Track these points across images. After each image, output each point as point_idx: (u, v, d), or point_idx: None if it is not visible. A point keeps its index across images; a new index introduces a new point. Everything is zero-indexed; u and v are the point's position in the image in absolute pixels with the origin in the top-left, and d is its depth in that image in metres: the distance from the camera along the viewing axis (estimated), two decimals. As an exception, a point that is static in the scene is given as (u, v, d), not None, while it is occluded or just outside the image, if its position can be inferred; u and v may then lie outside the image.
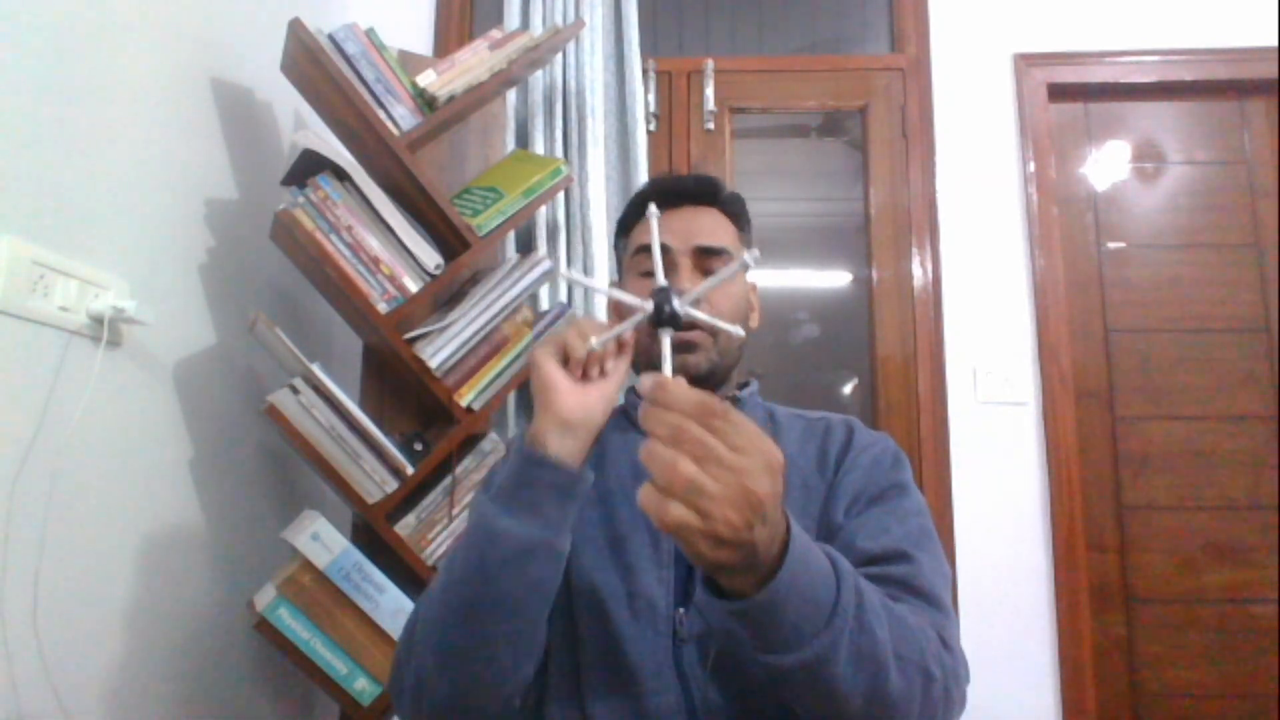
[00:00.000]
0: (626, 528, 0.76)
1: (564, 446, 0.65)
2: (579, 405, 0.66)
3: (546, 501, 0.64)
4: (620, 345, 0.69)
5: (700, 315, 0.59)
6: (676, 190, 0.86)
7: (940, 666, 0.60)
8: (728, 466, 0.45)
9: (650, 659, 0.71)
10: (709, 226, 0.84)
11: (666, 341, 0.54)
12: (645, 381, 0.48)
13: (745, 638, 0.53)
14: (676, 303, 0.55)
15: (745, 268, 0.53)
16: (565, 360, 0.67)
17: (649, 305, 0.56)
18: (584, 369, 0.67)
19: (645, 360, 0.84)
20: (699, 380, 0.81)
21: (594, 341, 0.64)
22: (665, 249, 0.81)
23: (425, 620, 0.68)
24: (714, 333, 0.80)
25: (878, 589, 0.62)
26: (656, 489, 0.45)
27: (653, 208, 0.62)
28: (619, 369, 0.69)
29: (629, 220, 0.90)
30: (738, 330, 0.61)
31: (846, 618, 0.53)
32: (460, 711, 0.67)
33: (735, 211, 0.88)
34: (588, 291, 1.63)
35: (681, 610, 0.72)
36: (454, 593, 0.66)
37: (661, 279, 0.59)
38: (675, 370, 0.56)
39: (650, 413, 0.47)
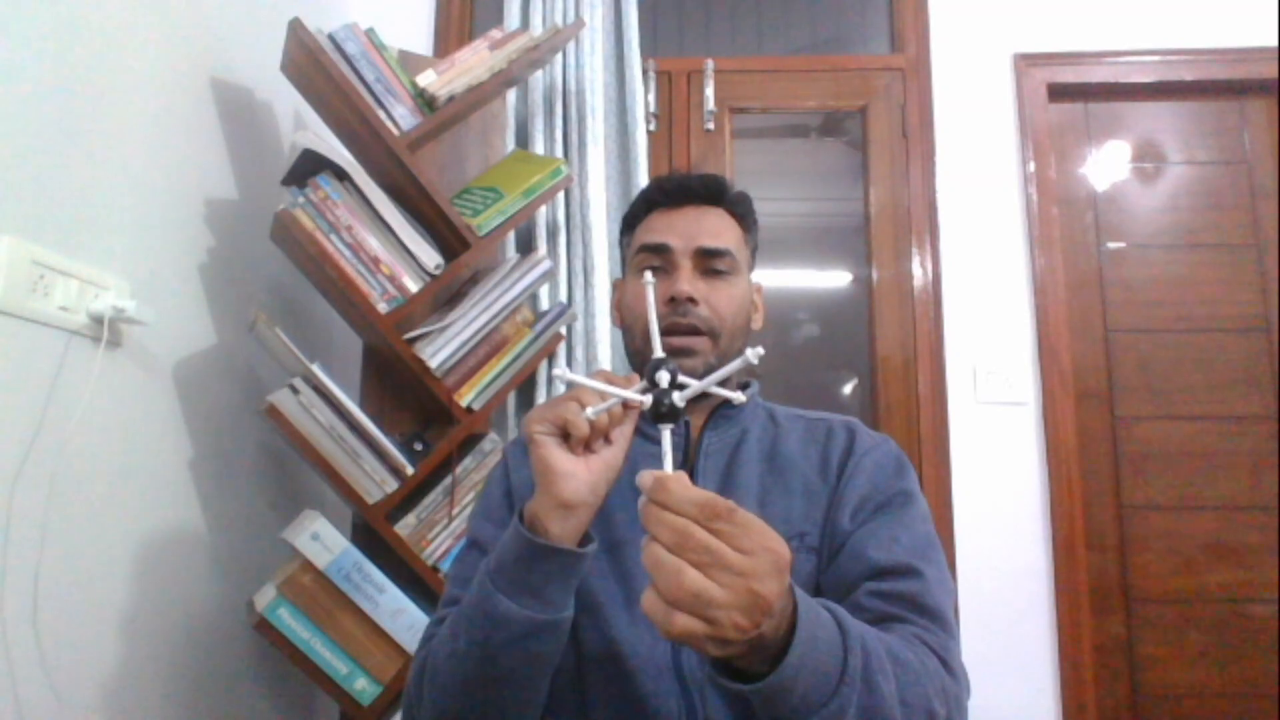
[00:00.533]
0: (623, 532, 0.76)
1: (566, 529, 0.61)
2: (582, 486, 0.61)
3: (549, 585, 0.62)
4: (624, 406, 0.62)
5: (709, 389, 0.55)
6: (682, 189, 0.85)
7: (944, 701, 0.60)
8: (735, 570, 0.44)
9: (650, 663, 0.71)
10: (713, 227, 0.83)
11: (667, 436, 0.52)
12: (645, 479, 0.47)
13: (755, 706, 0.52)
14: (676, 397, 0.53)
15: (746, 364, 0.51)
16: (566, 433, 0.61)
17: (647, 400, 0.54)
18: (587, 442, 0.62)
19: (642, 350, 0.83)
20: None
21: (589, 412, 0.59)
22: (666, 249, 0.81)
23: (432, 681, 0.68)
24: (713, 335, 0.79)
25: (882, 612, 0.62)
26: (661, 598, 0.44)
27: (648, 275, 0.60)
28: (624, 433, 0.64)
29: (633, 217, 0.90)
30: (739, 397, 0.59)
31: (854, 683, 0.52)
32: None
33: (741, 212, 0.87)
34: (587, 290, 1.63)
35: (680, 614, 0.72)
36: (458, 664, 0.65)
37: (659, 350, 0.57)
38: (673, 373, 0.55)
39: (652, 514, 0.45)
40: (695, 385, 0.54)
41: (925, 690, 0.59)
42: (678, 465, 0.79)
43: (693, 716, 0.69)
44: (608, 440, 0.63)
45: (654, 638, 0.71)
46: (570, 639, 0.73)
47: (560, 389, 1.61)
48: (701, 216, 0.84)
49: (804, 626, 0.50)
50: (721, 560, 0.44)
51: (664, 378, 0.54)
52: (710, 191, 0.85)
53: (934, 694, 0.60)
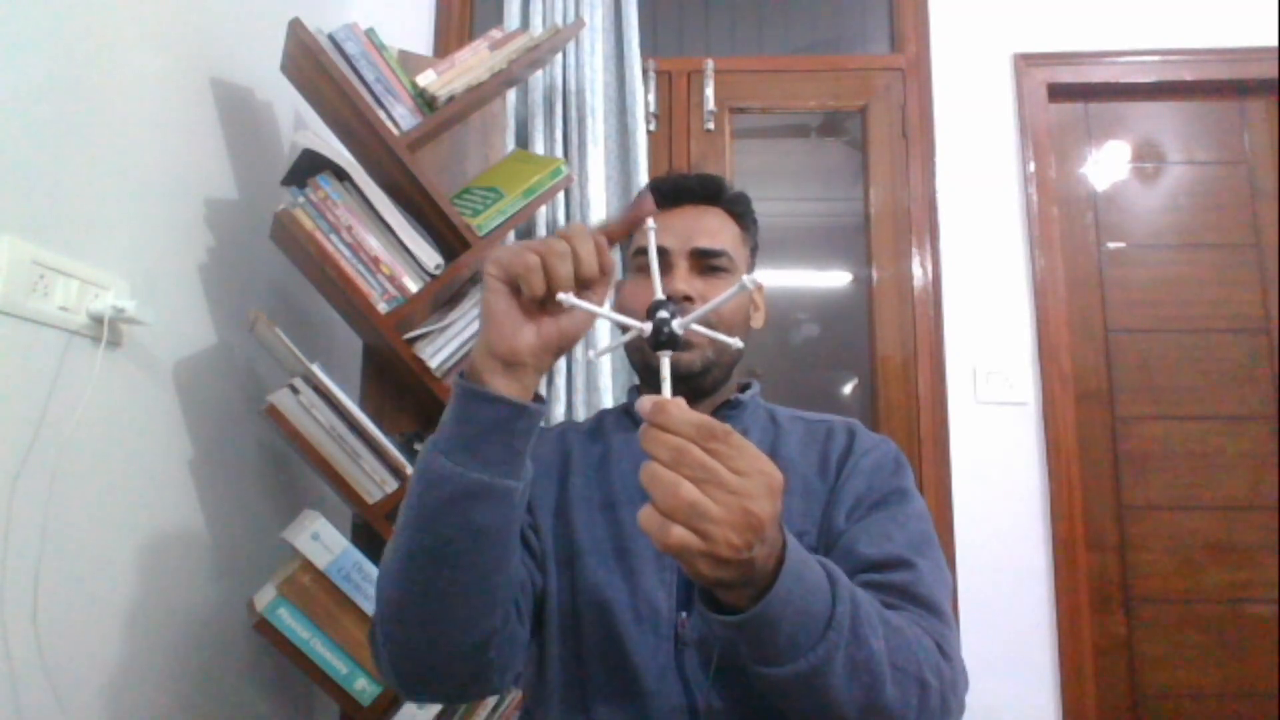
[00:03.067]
0: (631, 531, 0.76)
1: (506, 386, 0.58)
2: (524, 343, 0.57)
3: (486, 440, 0.57)
4: (602, 270, 0.58)
5: (702, 330, 0.58)
6: (679, 189, 0.85)
7: (937, 676, 0.60)
8: (729, 489, 0.45)
9: (653, 663, 0.71)
10: (709, 227, 0.83)
11: (666, 363, 0.53)
12: (645, 404, 0.47)
13: (742, 649, 0.53)
14: (675, 324, 0.53)
15: (742, 289, 0.53)
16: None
17: (647, 327, 0.54)
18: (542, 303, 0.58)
19: (643, 363, 0.84)
20: (693, 377, 0.81)
21: (590, 355, 0.60)
22: (663, 250, 0.81)
23: (381, 571, 0.64)
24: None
25: (875, 599, 0.61)
26: (658, 511, 0.45)
27: (650, 221, 0.59)
28: (597, 297, 0.59)
29: None
30: (736, 342, 0.60)
31: (842, 630, 0.53)
32: (426, 668, 0.64)
33: (739, 211, 0.87)
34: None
35: (684, 615, 0.72)
36: (399, 539, 0.61)
37: (660, 293, 0.57)
38: (672, 313, 0.55)
39: (650, 435, 0.46)
40: (696, 312, 0.55)
41: (917, 658, 0.59)
42: None
43: (694, 716, 0.69)
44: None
45: (658, 638, 0.71)
46: (574, 637, 0.74)
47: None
48: (698, 216, 0.84)
49: (792, 562, 0.51)
50: (716, 478, 0.45)
51: (665, 317, 0.55)
52: (707, 191, 0.86)
53: (926, 665, 0.60)
